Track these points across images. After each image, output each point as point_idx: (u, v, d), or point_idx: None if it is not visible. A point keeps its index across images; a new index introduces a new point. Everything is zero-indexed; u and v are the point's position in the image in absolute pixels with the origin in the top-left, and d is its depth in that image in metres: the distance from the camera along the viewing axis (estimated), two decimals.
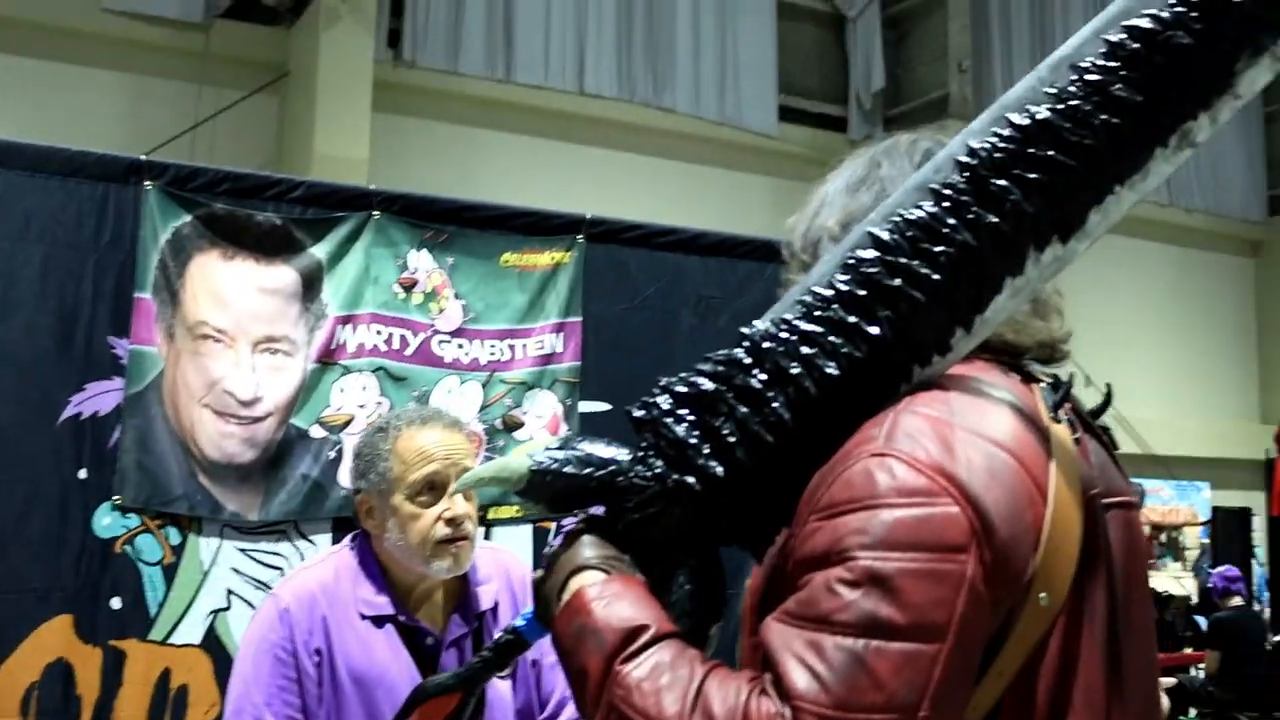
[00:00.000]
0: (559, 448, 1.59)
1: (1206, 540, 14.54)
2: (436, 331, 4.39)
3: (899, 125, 12.50)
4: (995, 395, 1.44)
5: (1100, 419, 1.62)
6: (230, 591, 4.02)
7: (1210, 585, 10.97)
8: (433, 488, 2.68)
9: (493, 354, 4.46)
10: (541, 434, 4.46)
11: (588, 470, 1.54)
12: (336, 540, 4.11)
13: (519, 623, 1.68)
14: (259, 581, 4.05)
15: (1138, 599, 1.50)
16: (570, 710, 2.88)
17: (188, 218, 4.11)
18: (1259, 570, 13.49)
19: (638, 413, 1.52)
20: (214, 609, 4.00)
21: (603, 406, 4.58)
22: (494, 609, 2.80)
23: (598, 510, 1.56)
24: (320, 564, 2.81)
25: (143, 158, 4.16)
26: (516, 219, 4.60)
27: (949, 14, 12.31)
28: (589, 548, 1.50)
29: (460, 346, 4.42)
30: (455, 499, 2.68)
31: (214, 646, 3.98)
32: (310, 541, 4.15)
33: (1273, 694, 9.55)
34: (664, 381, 1.51)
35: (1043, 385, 1.53)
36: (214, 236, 4.13)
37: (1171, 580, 14.17)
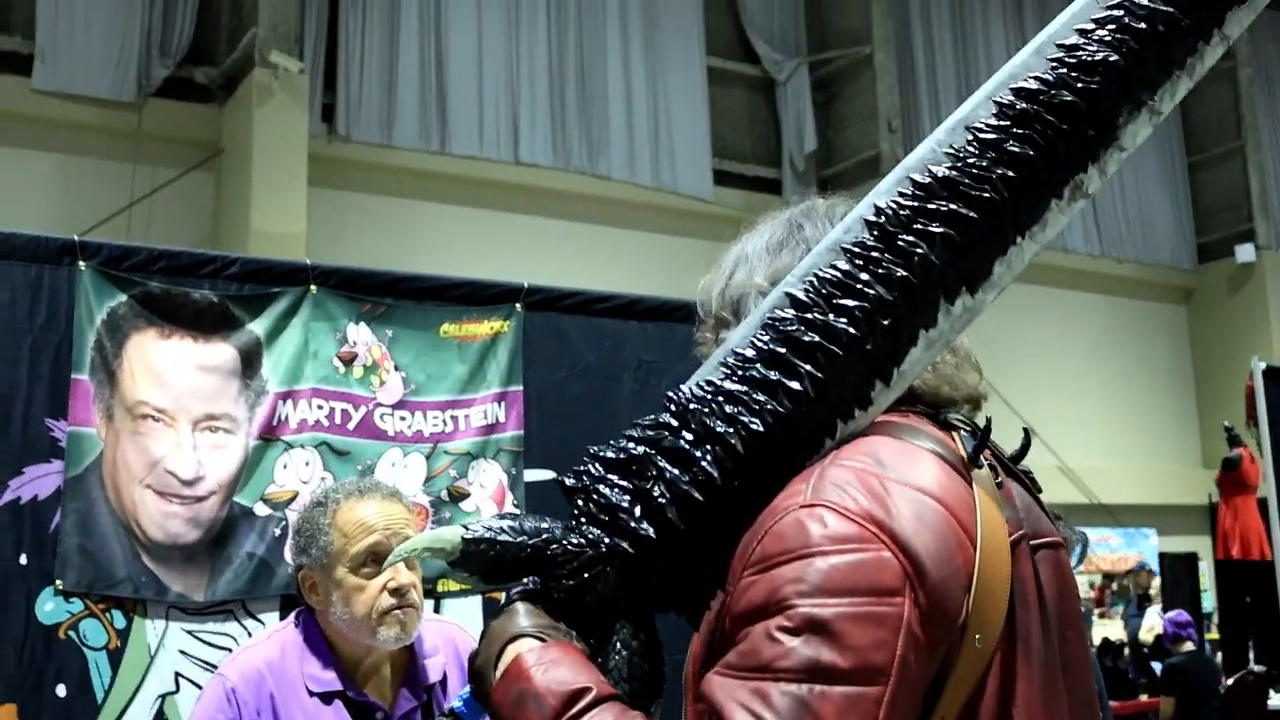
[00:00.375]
0: (496, 519, 1.61)
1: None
2: (378, 404, 4.39)
3: (833, 185, 12.65)
4: (917, 444, 1.48)
5: (1021, 463, 1.67)
6: (178, 674, 3.97)
7: (1161, 631, 11.05)
8: (375, 559, 2.68)
9: (435, 425, 4.46)
10: (488, 504, 4.46)
11: (520, 539, 1.56)
12: (285, 618, 4.09)
13: (456, 704, 1.67)
14: (207, 663, 4.01)
15: (1072, 636, 1.55)
16: None
17: (123, 297, 4.09)
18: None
19: (569, 481, 1.55)
20: (162, 693, 3.94)
21: (548, 475, 4.59)
22: (442, 681, 2.80)
23: (532, 581, 1.58)
24: (265, 641, 2.79)
25: (76, 238, 4.14)
26: (454, 289, 4.61)
27: (876, 74, 12.52)
28: (524, 616, 1.52)
29: (403, 419, 4.42)
30: (399, 569, 2.68)
31: None
32: (258, 620, 4.11)
33: None
34: (594, 449, 1.56)
35: (962, 433, 1.57)
36: (150, 315, 4.12)
37: (1119, 627, 14.27)
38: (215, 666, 3.95)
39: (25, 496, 3.88)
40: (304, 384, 4.30)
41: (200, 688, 3.91)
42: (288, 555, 4.10)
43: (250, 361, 4.24)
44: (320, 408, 4.30)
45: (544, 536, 1.55)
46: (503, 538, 1.57)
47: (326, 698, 2.68)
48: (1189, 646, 10.08)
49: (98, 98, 9.93)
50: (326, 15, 10.71)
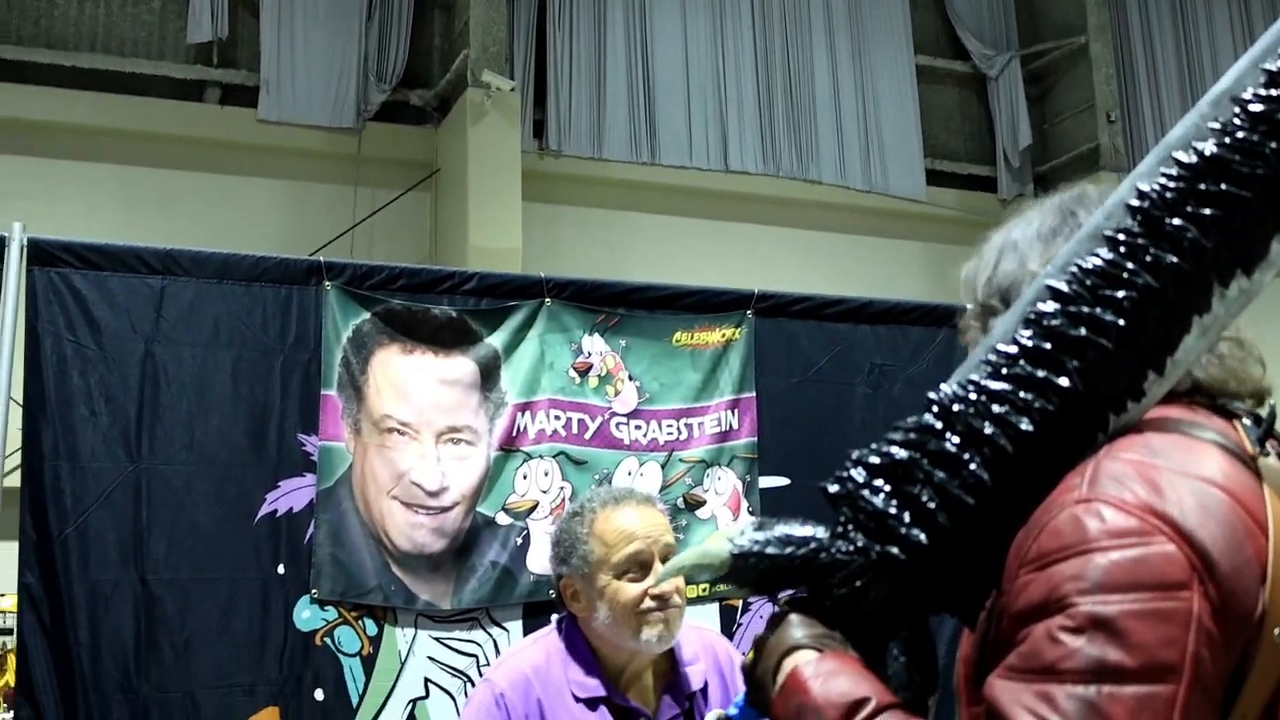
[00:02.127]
0: (756, 529, 1.58)
1: None
2: (614, 414, 4.43)
3: (1049, 181, 12.34)
4: (1197, 435, 1.41)
5: None
6: (428, 680, 4.08)
7: None
8: (639, 565, 2.69)
9: (670, 434, 4.48)
10: (723, 512, 4.47)
11: (789, 550, 1.53)
12: (528, 626, 4.17)
13: (732, 711, 1.66)
14: (455, 669, 4.11)
15: None
16: None
17: (367, 315, 4.22)
18: None
19: (833, 488, 1.51)
20: (413, 698, 4.06)
21: (782, 481, 4.58)
22: (704, 689, 2.79)
23: (800, 590, 1.55)
24: (531, 647, 2.83)
25: (321, 259, 4.29)
26: (685, 298, 4.64)
27: (1092, 65, 12.15)
28: (798, 628, 1.49)
29: (638, 428, 4.45)
30: (660, 573, 2.68)
31: None
32: (502, 628, 4.19)
33: None
34: (855, 454, 1.50)
35: (1244, 421, 1.49)
36: (393, 332, 4.24)
37: None
38: (463, 673, 4.05)
39: (281, 509, 4.03)
40: (541, 395, 4.37)
41: (449, 694, 4.03)
42: (534, 564, 4.19)
43: (489, 374, 4.33)
44: (558, 418, 4.37)
45: (812, 546, 1.52)
46: (770, 550, 1.55)
47: (592, 703, 2.69)
48: None
49: (320, 125, 10.26)
50: (535, 33, 10.89)
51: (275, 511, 4.02)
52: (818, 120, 11.50)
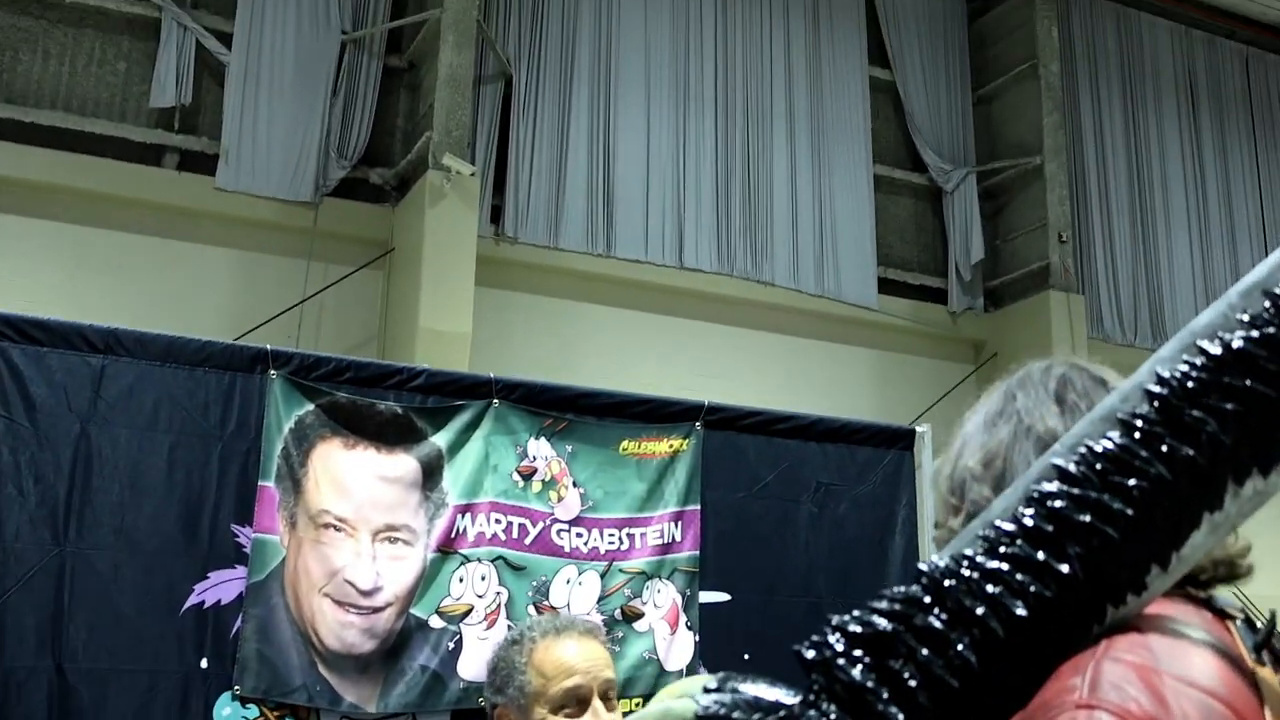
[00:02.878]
0: (720, 689, 1.53)
1: None
2: (555, 520, 4.38)
3: (999, 296, 12.47)
4: (1195, 636, 1.37)
5: None
6: None
7: None
8: (577, 700, 2.62)
9: (611, 543, 4.43)
10: (661, 625, 4.40)
11: (756, 716, 1.44)
12: None
13: None
14: None
15: None
16: None
17: (311, 406, 4.15)
18: None
19: (808, 653, 1.44)
20: None
21: (723, 597, 4.52)
22: None
23: None
24: None
25: (268, 347, 4.23)
26: (634, 406, 4.61)
27: (1046, 185, 12.32)
28: None
29: (579, 535, 4.40)
30: (600, 713, 2.62)
31: None
32: None
33: None
34: (835, 620, 1.43)
35: (1238, 622, 1.46)
36: (336, 425, 4.17)
37: None
38: None
39: (209, 600, 3.93)
40: (483, 497, 4.31)
41: None
42: (462, 670, 4.09)
43: (431, 473, 4.26)
44: (498, 522, 4.30)
45: (781, 714, 1.47)
46: (737, 715, 1.47)
47: None
48: None
49: (277, 197, 10.21)
50: (499, 119, 10.90)
51: (203, 603, 3.92)
52: (774, 222, 11.57)
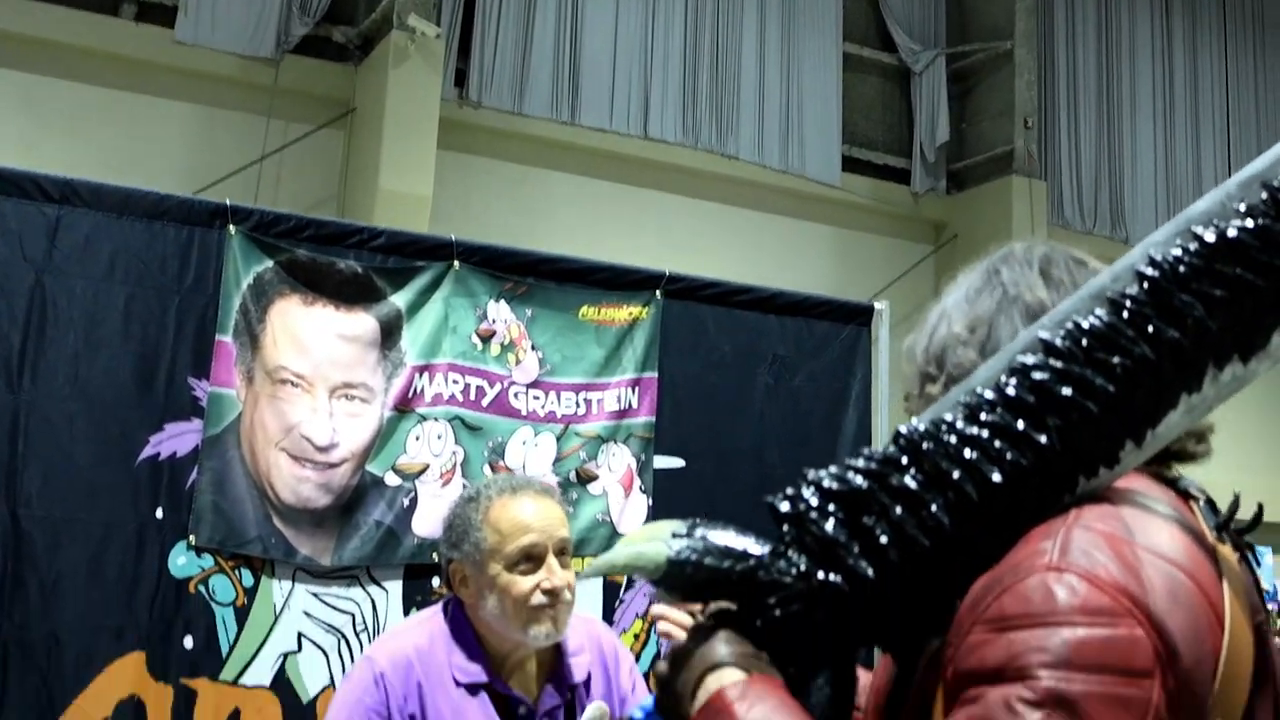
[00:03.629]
0: (691, 534, 1.52)
1: None
2: (513, 383, 4.39)
3: (962, 179, 12.47)
4: (1161, 511, 1.39)
5: (1246, 535, 1.58)
6: (301, 635, 4.02)
7: None
8: (530, 558, 2.66)
9: (568, 407, 4.46)
10: (615, 488, 4.45)
11: (727, 563, 1.47)
12: (409, 588, 4.12)
13: (636, 714, 1.61)
14: (330, 625, 4.06)
15: None
16: None
17: (270, 263, 4.13)
18: None
19: (783, 506, 1.45)
20: (284, 651, 4.00)
21: (676, 463, 4.57)
22: (586, 681, 2.77)
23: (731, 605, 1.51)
24: (414, 629, 2.78)
25: (227, 202, 4.18)
26: (596, 273, 4.60)
27: (1015, 70, 12.27)
28: (725, 645, 1.44)
29: (536, 398, 4.42)
30: (554, 570, 2.66)
31: (284, 689, 3.99)
32: (382, 588, 4.15)
33: None
34: (811, 475, 1.45)
35: (1200, 503, 1.49)
36: (295, 282, 4.15)
37: None
38: (338, 629, 4.01)
39: (165, 453, 3.94)
40: (441, 358, 4.31)
41: (323, 650, 3.98)
42: (419, 526, 4.14)
43: (390, 333, 4.26)
44: (456, 382, 4.32)
45: (752, 562, 1.47)
46: (709, 560, 1.48)
47: (473, 689, 2.66)
48: None
49: (237, 52, 10.02)
50: None
51: (158, 455, 3.93)
52: (740, 96, 11.48)
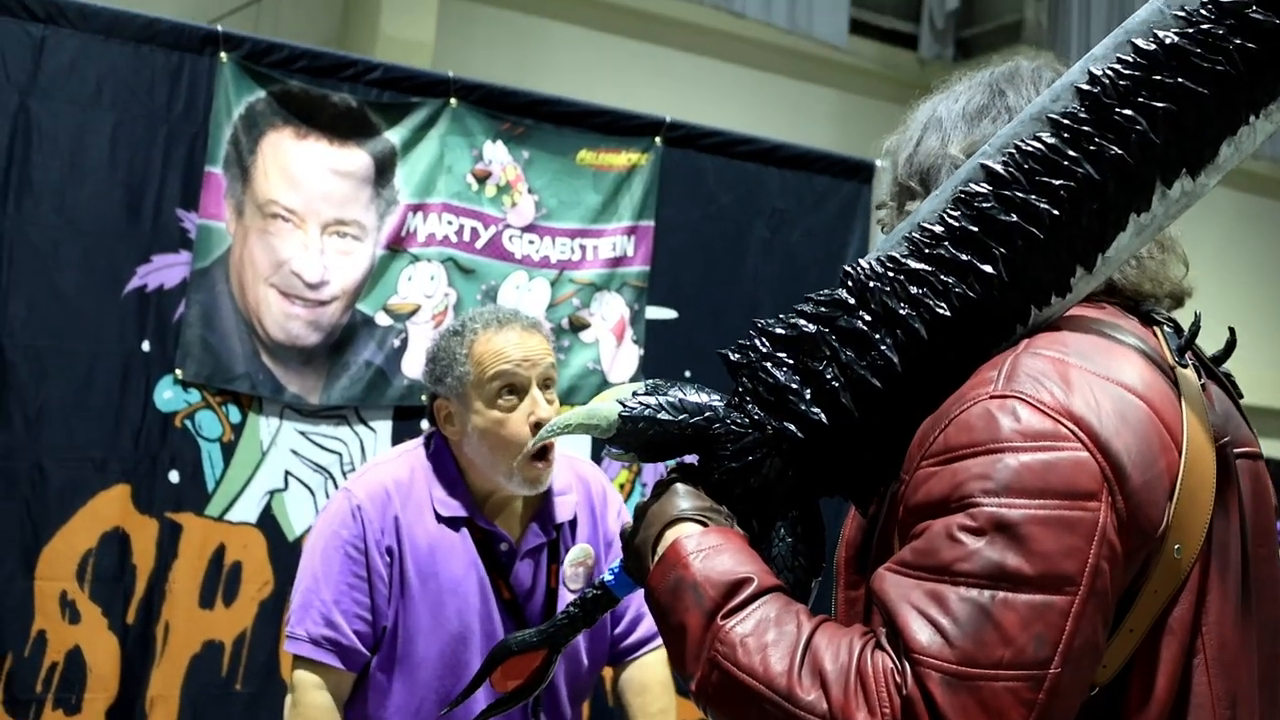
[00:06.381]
0: (649, 393, 1.51)
1: None
2: (508, 226, 4.33)
3: (971, 47, 12.27)
4: (1118, 338, 1.36)
5: (1222, 366, 1.55)
6: (288, 473, 4.01)
7: None
8: (513, 390, 2.61)
9: (563, 253, 4.39)
10: (607, 337, 4.41)
11: (681, 417, 1.47)
12: (398, 429, 4.10)
13: (607, 577, 1.61)
14: (317, 465, 4.04)
15: (1265, 555, 1.44)
16: (645, 628, 2.83)
17: (262, 93, 4.03)
18: None
19: (734, 356, 1.45)
20: (271, 489, 3.98)
21: (670, 314, 4.53)
22: (573, 522, 2.75)
23: (691, 459, 1.50)
24: (394, 461, 2.75)
25: (220, 29, 4.07)
26: (595, 117, 4.51)
27: None
28: (684, 498, 1.43)
29: (531, 243, 4.35)
30: (539, 402, 2.61)
31: (269, 526, 3.97)
32: (370, 428, 4.12)
33: None
34: (760, 323, 1.44)
35: (1165, 329, 1.45)
36: (288, 114, 4.06)
37: None
38: (325, 468, 3.99)
39: (151, 285, 3.88)
40: (435, 198, 4.24)
41: (309, 488, 3.98)
42: (409, 368, 4.11)
43: (384, 170, 4.18)
44: (450, 223, 4.25)
45: (706, 415, 1.46)
46: (662, 415, 1.48)
47: (454, 524, 2.64)
48: None
49: None
50: None
51: (145, 287, 3.87)
52: None
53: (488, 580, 2.63)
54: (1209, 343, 1.52)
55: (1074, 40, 12.55)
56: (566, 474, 2.78)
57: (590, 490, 2.81)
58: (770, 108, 11.15)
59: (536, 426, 2.59)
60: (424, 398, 4.13)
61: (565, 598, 2.67)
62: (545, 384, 2.65)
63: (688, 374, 4.44)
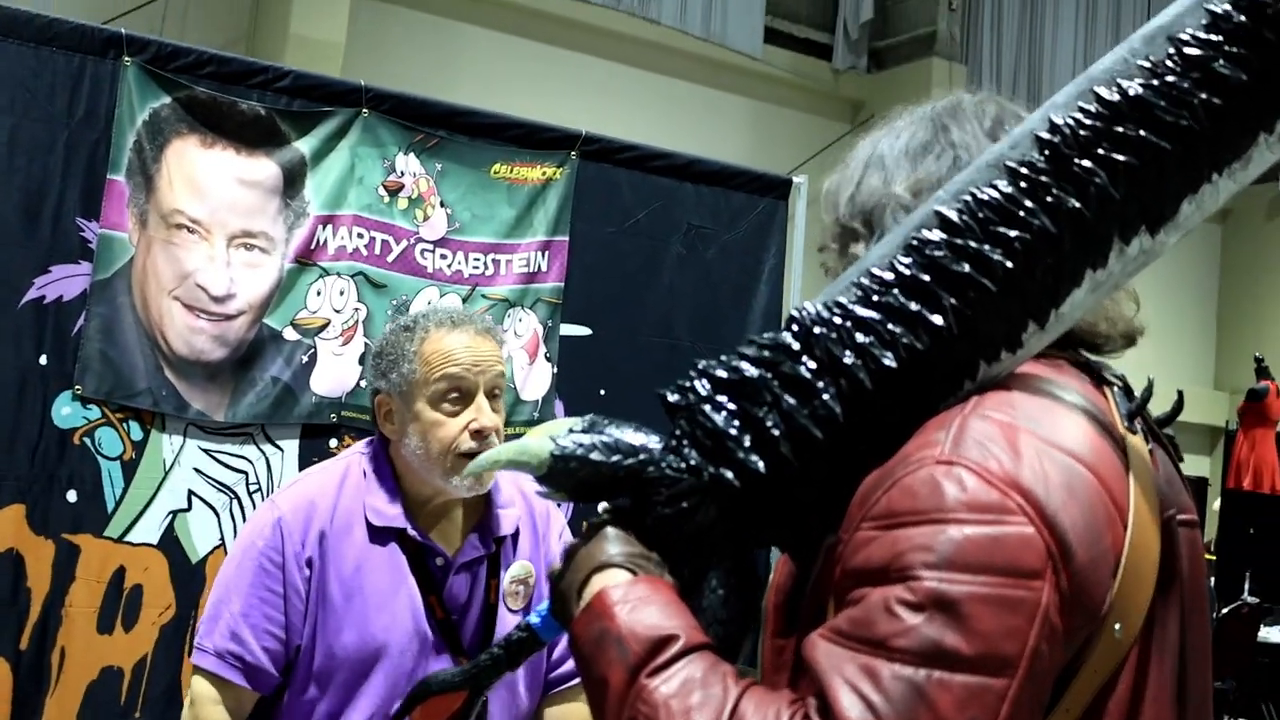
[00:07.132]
0: (584, 430, 1.45)
1: None
2: (420, 239, 4.25)
3: (884, 58, 12.37)
4: (1068, 400, 1.32)
5: (1166, 428, 1.52)
6: (191, 492, 3.89)
7: None
8: (458, 395, 2.53)
9: (476, 267, 4.32)
10: (520, 354, 4.34)
11: (615, 458, 1.41)
12: (305, 447, 4.01)
13: (534, 619, 1.56)
14: (221, 484, 3.93)
15: (1198, 622, 1.40)
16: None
17: (167, 99, 3.92)
18: None
19: (672, 397, 1.37)
20: (173, 509, 3.87)
21: (584, 331, 4.47)
22: (514, 535, 2.67)
23: (623, 502, 1.42)
24: (324, 472, 2.65)
25: (123, 31, 3.95)
26: (510, 129, 4.44)
27: None
28: (613, 543, 1.37)
29: (443, 257, 4.28)
30: (483, 410, 2.53)
31: (172, 547, 3.85)
32: (277, 446, 4.02)
33: (1222, 664, 9.64)
34: (701, 364, 1.37)
35: (1115, 389, 1.41)
36: (194, 121, 3.95)
37: None
38: (229, 487, 3.89)
39: (50, 296, 3.76)
40: (346, 210, 4.15)
41: (212, 508, 3.88)
42: (315, 385, 4.03)
43: (293, 180, 4.08)
44: (360, 236, 4.16)
45: (641, 458, 1.39)
46: (595, 455, 1.42)
47: (385, 536, 2.55)
48: None
49: None
50: None
51: (43, 298, 3.74)
52: None
53: (418, 597, 2.55)
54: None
55: (985, 53, 12.69)
56: (509, 486, 2.70)
57: (533, 508, 2.73)
58: (686, 115, 11.14)
59: (477, 434, 2.51)
60: (334, 417, 4.06)
61: (504, 615, 2.60)
62: (493, 392, 2.57)
63: (602, 392, 4.39)
